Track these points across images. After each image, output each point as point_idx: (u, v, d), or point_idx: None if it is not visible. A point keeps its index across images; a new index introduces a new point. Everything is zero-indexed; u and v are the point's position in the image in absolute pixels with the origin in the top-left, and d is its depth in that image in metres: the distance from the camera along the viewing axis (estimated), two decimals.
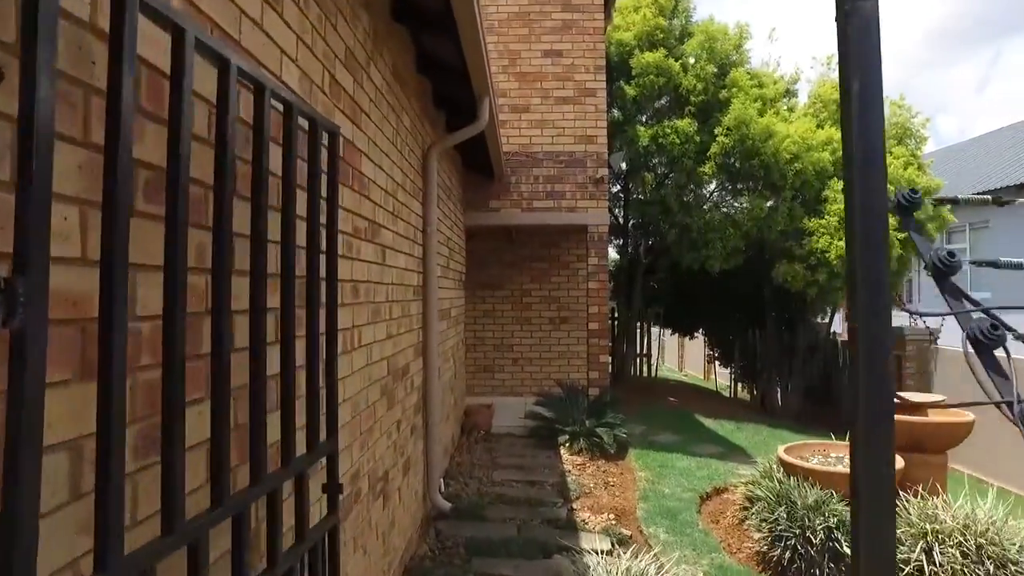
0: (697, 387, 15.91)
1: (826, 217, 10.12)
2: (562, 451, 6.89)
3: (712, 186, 11.14)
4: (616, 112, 10.91)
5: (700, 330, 14.81)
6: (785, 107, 11.76)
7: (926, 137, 11.20)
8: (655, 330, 14.33)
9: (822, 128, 10.84)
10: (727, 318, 13.18)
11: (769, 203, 10.37)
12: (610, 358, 7.52)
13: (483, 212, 7.63)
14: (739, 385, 14.22)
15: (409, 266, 4.01)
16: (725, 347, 13.72)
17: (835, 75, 11.76)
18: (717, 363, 14.45)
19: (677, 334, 15.44)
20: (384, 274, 3.34)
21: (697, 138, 10.51)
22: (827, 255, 9.90)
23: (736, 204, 10.72)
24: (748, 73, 11.09)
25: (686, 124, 10.36)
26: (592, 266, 7.55)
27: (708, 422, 9.89)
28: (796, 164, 10.17)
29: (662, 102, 11.02)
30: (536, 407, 7.40)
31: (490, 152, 6.48)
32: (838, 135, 10.96)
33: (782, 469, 4.83)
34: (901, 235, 10.08)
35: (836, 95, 12.01)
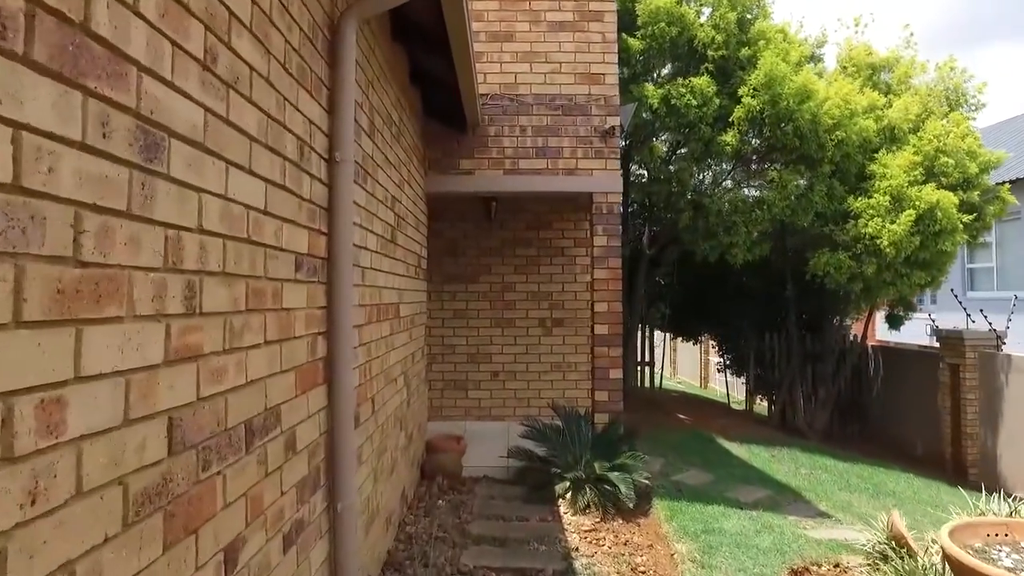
0: (702, 398, 14.04)
1: (874, 196, 8.28)
2: (562, 507, 4.89)
3: (733, 159, 9.24)
4: (620, 69, 8.96)
5: (706, 334, 12.92)
6: (812, 73, 9.93)
7: (984, 103, 9.45)
8: (657, 334, 12.42)
9: (861, 93, 9.02)
10: (741, 320, 11.31)
11: (801, 180, 8.50)
12: (622, 373, 5.56)
13: (451, 175, 5.63)
14: (746, 395, 12.35)
15: (279, 209, 2.00)
16: (737, 353, 11.86)
17: (865, 38, 9.95)
18: (728, 371, 12.58)
19: (680, 338, 13.54)
20: (184, 204, 1.34)
21: (716, 100, 8.62)
22: (878, 242, 8.06)
23: (761, 181, 8.83)
24: (776, 28, 9.24)
25: (704, 83, 8.46)
26: (600, 248, 5.58)
27: (734, 448, 7.98)
28: (838, 132, 8.32)
29: (675, 62, 9.10)
30: (523, 440, 5.39)
31: (459, 79, 4.49)
32: (881, 100, 9.17)
33: (947, 567, 2.89)
34: (967, 217, 8.29)
35: (871, 58, 10.25)
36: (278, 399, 1.97)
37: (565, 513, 4.77)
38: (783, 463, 7.49)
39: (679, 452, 7.09)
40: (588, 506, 4.79)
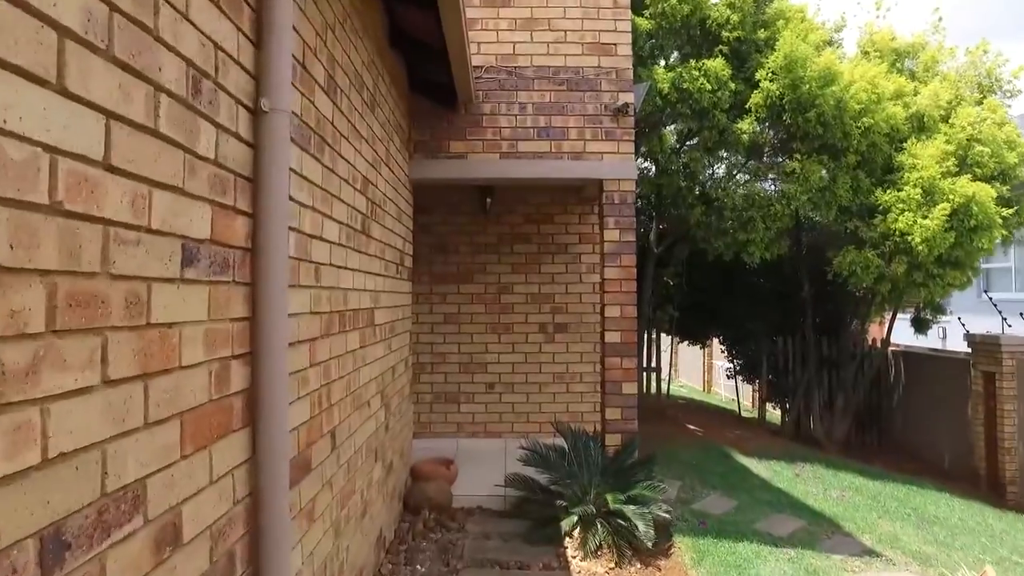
0: (710, 406, 13.33)
1: (905, 189, 7.57)
2: (568, 548, 4.15)
3: (749, 149, 8.51)
4: None
5: (714, 337, 12.20)
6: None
7: (1020, 90, 8.75)
8: (664, 338, 11.69)
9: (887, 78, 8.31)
10: (753, 323, 10.60)
11: (824, 172, 7.78)
12: (636, 387, 4.83)
13: (440, 160, 4.88)
14: (759, 403, 11.63)
15: (144, 167, 1.26)
16: (749, 358, 11.14)
17: (886, 22, 9.26)
18: (738, 378, 11.87)
19: (686, 341, 12.81)
20: None
21: (732, 85, 7.92)
22: (909, 238, 7.34)
23: (778, 174, 8.10)
24: (796, 8, 8.54)
25: (719, 65, 7.74)
26: (611, 244, 4.84)
27: (753, 465, 7.26)
28: (864, 119, 7.61)
29: (686, 44, 8.38)
30: (523, 467, 4.65)
31: (447, 44, 3.75)
32: (909, 86, 8.46)
33: None
34: (1006, 211, 7.59)
35: (895, 43, 9.54)
36: (140, 470, 1.22)
37: (573, 557, 4.03)
38: (809, 483, 6.77)
39: (696, 472, 6.36)
40: (600, 547, 4.05)
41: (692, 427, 9.59)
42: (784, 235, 8.29)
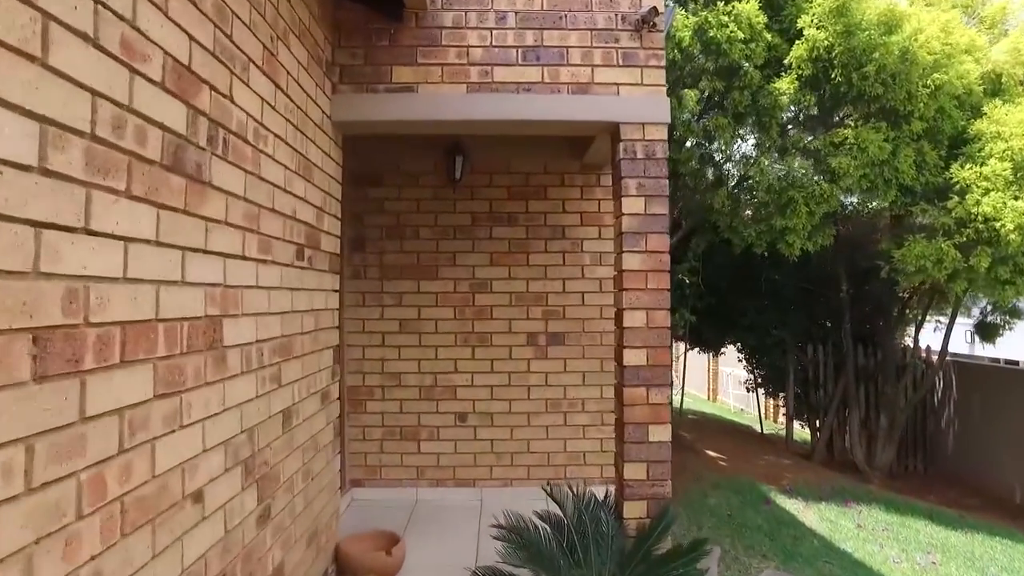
0: (725, 422, 11.78)
1: (989, 163, 6.03)
2: None
3: (790, 112, 6.96)
4: None
5: (731, 344, 10.65)
6: None
7: None
8: (677, 346, 10.13)
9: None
10: (777, 328, 9.07)
11: (885, 142, 6.23)
12: (669, 431, 3.23)
13: (378, 94, 3.28)
14: (786, 421, 10.09)
15: None
16: (773, 368, 9.60)
17: None
18: (759, 391, 10.33)
19: (696, 348, 11.24)
20: None
21: (767, 37, 6.38)
22: (996, 225, 5.80)
23: (824, 145, 6.53)
24: None
25: (751, 10, 6.20)
26: (631, 220, 3.25)
27: (801, 510, 5.71)
28: (936, 76, 6.08)
29: None
30: (502, 565, 3.02)
31: None
32: (981, 40, 6.93)
33: None
34: None
35: None
36: None
37: None
38: (879, 538, 5.22)
39: (735, 528, 4.79)
40: None
41: (712, 453, 8.02)
42: (829, 221, 6.73)
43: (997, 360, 9.04)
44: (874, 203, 7.01)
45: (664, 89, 3.37)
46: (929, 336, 9.68)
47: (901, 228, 7.29)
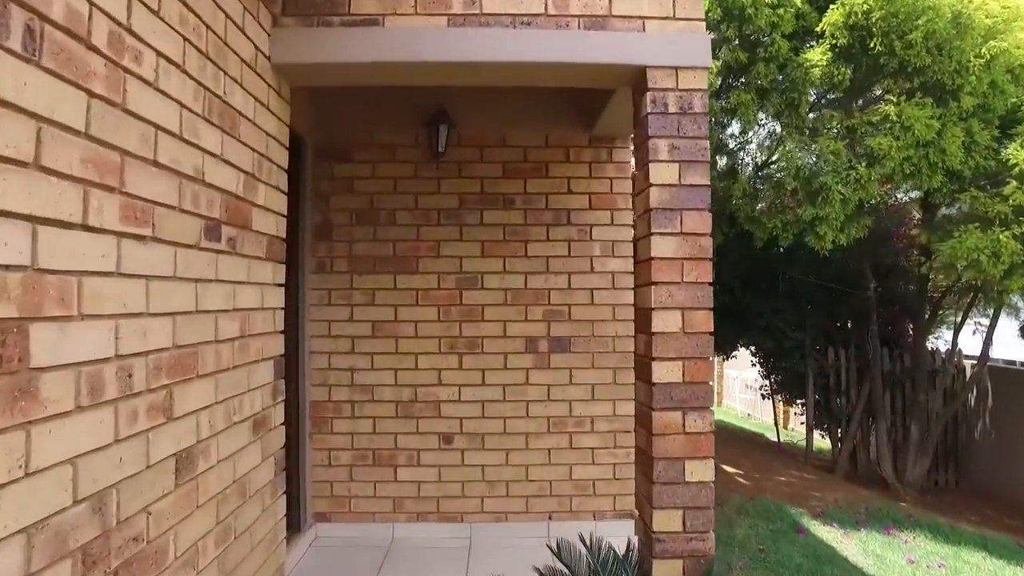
0: (735, 429, 11.05)
1: None
2: None
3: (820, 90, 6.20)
4: None
5: (748, 347, 9.90)
6: None
7: None
8: None
9: None
10: (795, 329, 8.33)
11: (934, 119, 5.48)
12: (712, 466, 2.49)
13: (333, 29, 2.51)
14: (807, 430, 9.35)
15: None
16: (791, 373, 8.84)
17: None
18: (776, 397, 9.59)
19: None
20: None
21: (797, 2, 5.67)
22: None
23: (858, 124, 5.78)
24: None
25: None
26: (662, 192, 2.49)
27: (839, 540, 4.97)
28: (993, 44, 5.34)
29: None
30: None
31: None
32: None
33: None
34: None
35: None
36: None
37: None
38: (932, 573, 4.48)
39: (772, 571, 4.03)
40: None
41: (729, 468, 7.27)
42: (862, 211, 6.00)
43: None
44: (913, 191, 6.26)
45: (703, 24, 2.62)
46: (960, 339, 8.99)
47: (936, 218, 6.60)
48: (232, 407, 2.12)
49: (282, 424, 2.65)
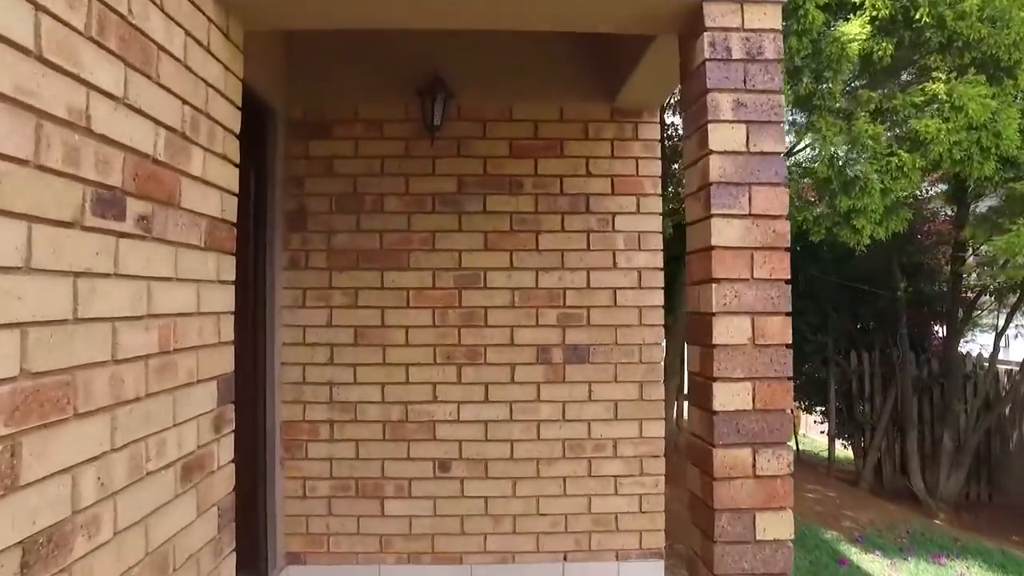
0: None
1: None
2: None
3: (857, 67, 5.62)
4: None
5: None
6: None
7: None
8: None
9: None
10: (817, 332, 7.77)
11: (991, 99, 4.92)
12: (790, 522, 1.91)
13: None
14: (828, 441, 8.78)
15: None
16: (810, 380, 8.27)
17: None
18: (796, 404, 9.04)
19: None
20: None
21: None
22: None
23: (902, 105, 5.21)
24: None
25: None
26: (725, 162, 1.91)
27: (884, 571, 4.39)
28: None
29: None
30: None
31: None
32: None
33: None
34: None
35: None
36: None
37: None
38: None
39: None
40: None
41: None
42: (902, 204, 5.44)
43: None
44: (974, 176, 5.67)
45: None
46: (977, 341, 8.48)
47: (974, 212, 6.07)
48: (144, 452, 1.52)
49: (230, 462, 2.05)
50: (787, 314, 1.93)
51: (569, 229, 3.33)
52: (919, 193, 7.29)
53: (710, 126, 1.93)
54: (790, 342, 1.93)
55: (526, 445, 3.28)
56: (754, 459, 1.89)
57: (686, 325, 2.10)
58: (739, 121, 1.94)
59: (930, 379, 7.61)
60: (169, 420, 1.64)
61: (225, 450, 2.01)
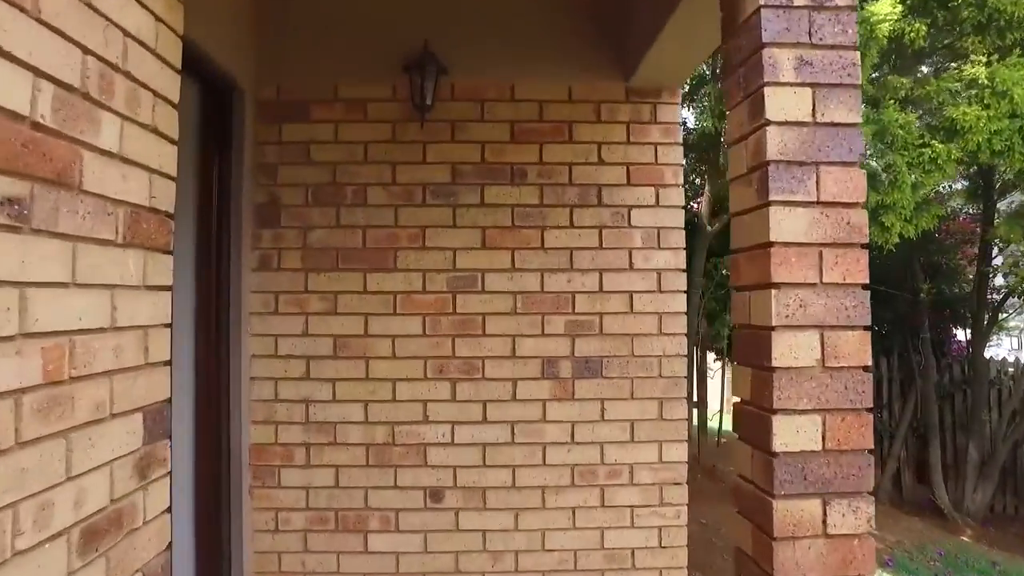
0: None
1: None
2: None
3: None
4: None
5: None
6: None
7: None
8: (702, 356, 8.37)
9: None
10: None
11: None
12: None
13: None
14: None
15: None
16: None
17: None
18: None
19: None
20: None
21: None
22: None
23: (935, 92, 4.82)
24: None
25: None
26: (783, 133, 1.50)
27: None
28: None
29: None
30: None
31: None
32: None
33: None
34: None
35: None
36: None
37: None
38: None
39: None
40: None
41: None
42: (934, 197, 5.05)
43: None
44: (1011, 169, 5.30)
45: None
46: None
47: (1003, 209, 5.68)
48: (11, 524, 1.11)
49: (164, 512, 1.63)
50: (865, 328, 1.52)
51: (579, 225, 2.92)
52: (939, 190, 6.92)
53: (767, 90, 1.53)
54: (869, 363, 1.52)
55: (530, 471, 2.87)
56: (824, 513, 1.48)
57: (739, 341, 1.70)
58: (803, 84, 1.53)
59: (952, 385, 7.23)
60: (60, 473, 1.23)
61: (156, 499, 1.60)
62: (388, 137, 2.92)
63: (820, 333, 1.50)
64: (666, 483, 2.90)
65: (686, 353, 2.97)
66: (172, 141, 1.67)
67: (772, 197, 1.51)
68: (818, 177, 1.52)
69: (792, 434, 1.48)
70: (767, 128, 1.53)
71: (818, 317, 1.50)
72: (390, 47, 2.87)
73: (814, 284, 1.51)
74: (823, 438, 1.48)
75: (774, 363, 1.49)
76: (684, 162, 3.01)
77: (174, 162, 1.68)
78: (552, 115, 2.95)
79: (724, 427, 8.02)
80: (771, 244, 1.51)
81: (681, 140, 3.02)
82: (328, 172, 2.91)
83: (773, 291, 1.50)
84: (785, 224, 1.51)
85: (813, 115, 1.53)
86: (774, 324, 1.49)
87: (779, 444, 1.47)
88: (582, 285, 2.91)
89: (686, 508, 2.91)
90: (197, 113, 2.67)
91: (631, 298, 2.91)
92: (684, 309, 2.92)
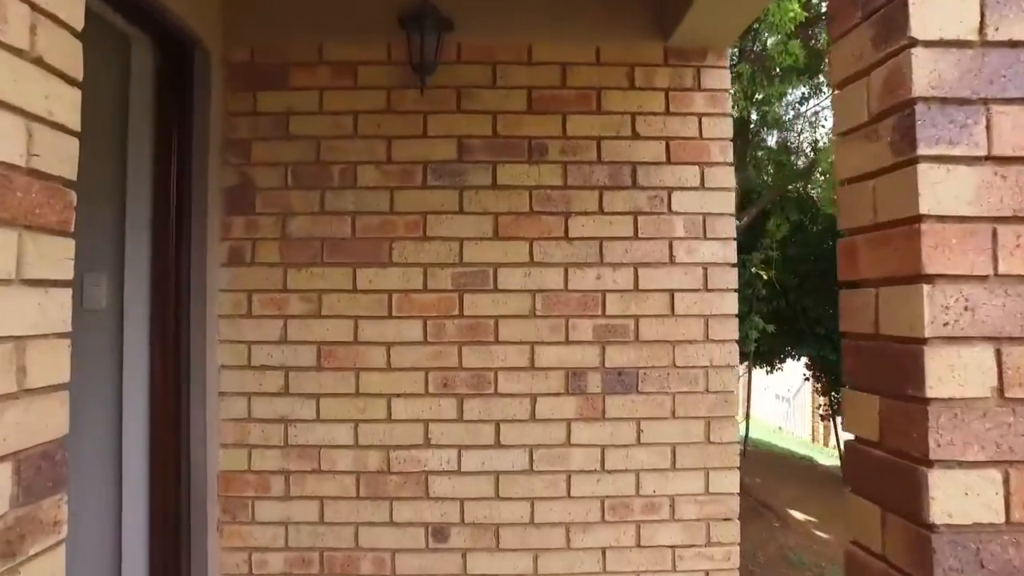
0: (783, 453, 9.59)
1: None
2: None
3: None
4: None
5: (795, 358, 8.46)
6: None
7: None
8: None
9: None
10: None
11: None
12: None
13: None
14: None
15: None
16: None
17: None
18: (835, 419, 8.15)
19: (764, 367, 8.97)
20: None
21: None
22: None
23: None
24: None
25: None
26: (932, 54, 1.05)
27: None
28: None
29: None
30: None
31: None
32: None
33: None
34: None
35: None
36: None
37: None
38: None
39: None
40: None
41: (799, 515, 5.80)
42: None
43: None
44: None
45: None
46: None
47: None
48: None
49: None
50: None
51: (610, 210, 2.45)
52: None
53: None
54: None
55: (552, 505, 2.40)
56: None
57: (865, 357, 1.23)
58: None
59: None
60: None
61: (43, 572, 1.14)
62: (383, 107, 2.46)
63: (996, 348, 1.02)
64: (714, 518, 2.42)
65: (737, 363, 2.50)
66: (72, 82, 1.21)
67: (921, 151, 1.04)
68: (989, 121, 1.05)
69: (959, 498, 1.00)
70: (911, 51, 1.05)
71: (993, 325, 1.02)
72: (385, 1, 2.42)
73: (986, 277, 1.03)
74: (1007, 505, 1.00)
75: (928, 392, 1.01)
76: (731, 135, 2.52)
77: (75, 111, 1.22)
78: (577, 80, 2.49)
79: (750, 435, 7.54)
80: (920, 218, 1.03)
81: (728, 110, 2.55)
82: (311, 149, 2.45)
83: (925, 287, 1.02)
84: (941, 189, 1.03)
85: (981, 30, 1.06)
86: (927, 335, 1.02)
87: (939, 513, 1.00)
88: (614, 283, 2.44)
89: (738, 549, 2.44)
90: (151, 76, 2.23)
91: (672, 298, 2.44)
92: (735, 311, 2.45)
